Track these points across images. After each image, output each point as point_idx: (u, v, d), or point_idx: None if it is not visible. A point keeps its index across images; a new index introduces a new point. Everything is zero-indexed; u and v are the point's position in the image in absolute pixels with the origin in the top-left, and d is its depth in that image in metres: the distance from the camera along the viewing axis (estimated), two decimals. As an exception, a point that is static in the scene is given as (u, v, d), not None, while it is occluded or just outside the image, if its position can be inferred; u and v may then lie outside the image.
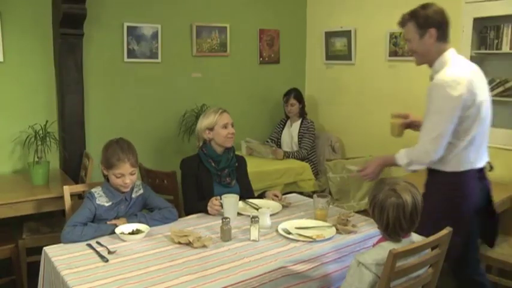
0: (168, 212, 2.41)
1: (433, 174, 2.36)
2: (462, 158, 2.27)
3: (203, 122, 2.74)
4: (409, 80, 3.93)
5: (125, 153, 2.32)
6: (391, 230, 1.80)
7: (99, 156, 2.42)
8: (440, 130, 2.21)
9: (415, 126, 2.55)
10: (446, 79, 2.19)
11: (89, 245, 2.07)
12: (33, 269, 2.50)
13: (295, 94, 4.37)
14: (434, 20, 2.25)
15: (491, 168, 2.81)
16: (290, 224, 2.31)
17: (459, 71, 2.22)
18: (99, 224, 2.23)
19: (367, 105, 4.39)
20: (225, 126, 2.70)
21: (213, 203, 2.47)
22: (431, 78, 2.31)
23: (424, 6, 2.29)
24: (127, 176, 2.31)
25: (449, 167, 2.29)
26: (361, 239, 2.24)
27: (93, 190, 2.36)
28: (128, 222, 2.27)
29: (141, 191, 2.45)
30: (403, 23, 2.35)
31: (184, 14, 4.11)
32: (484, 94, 2.29)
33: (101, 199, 2.32)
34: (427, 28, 2.25)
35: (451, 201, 2.27)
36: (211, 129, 2.71)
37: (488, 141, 2.38)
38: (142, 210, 2.45)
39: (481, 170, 2.36)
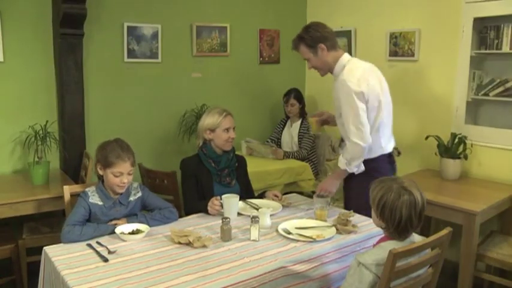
0: (169, 212, 2.41)
1: None
2: (374, 145, 2.59)
3: (206, 120, 2.72)
4: (409, 79, 3.92)
5: (125, 152, 2.32)
6: (402, 228, 1.78)
7: (98, 157, 2.42)
8: (359, 120, 2.50)
9: (330, 122, 2.93)
10: (347, 77, 2.53)
11: (89, 245, 2.08)
12: (33, 269, 2.50)
13: (295, 94, 4.37)
14: (319, 36, 2.61)
15: (399, 153, 3.20)
16: (290, 224, 2.31)
17: (356, 70, 2.57)
18: (98, 224, 2.23)
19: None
20: (226, 130, 2.69)
21: (213, 203, 2.47)
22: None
23: (307, 29, 2.65)
24: (125, 175, 2.31)
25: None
26: (361, 239, 2.24)
27: (86, 189, 2.36)
28: (128, 222, 2.27)
29: (140, 194, 2.43)
30: (296, 47, 2.71)
31: (184, 14, 4.11)
32: (380, 86, 2.61)
33: (94, 198, 2.32)
34: (316, 45, 2.61)
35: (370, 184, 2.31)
36: (212, 130, 2.69)
37: (392, 126, 2.73)
38: (141, 211, 2.44)
39: (390, 155, 2.71)
